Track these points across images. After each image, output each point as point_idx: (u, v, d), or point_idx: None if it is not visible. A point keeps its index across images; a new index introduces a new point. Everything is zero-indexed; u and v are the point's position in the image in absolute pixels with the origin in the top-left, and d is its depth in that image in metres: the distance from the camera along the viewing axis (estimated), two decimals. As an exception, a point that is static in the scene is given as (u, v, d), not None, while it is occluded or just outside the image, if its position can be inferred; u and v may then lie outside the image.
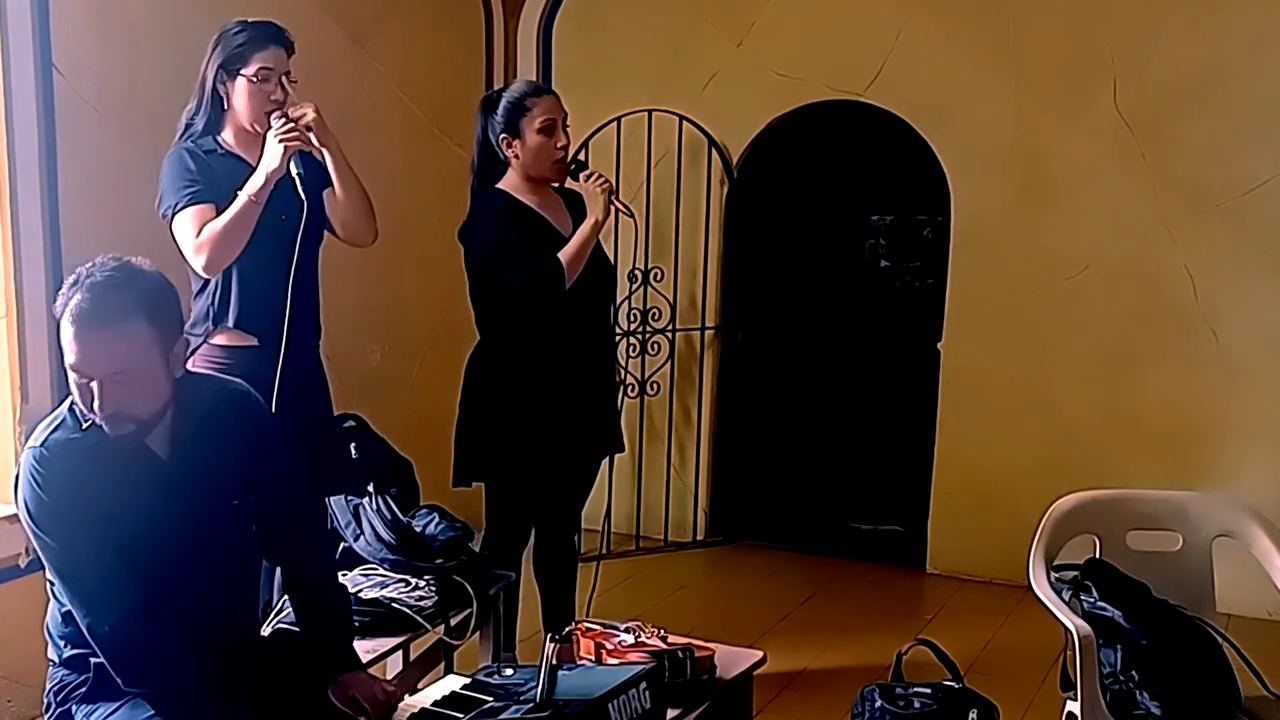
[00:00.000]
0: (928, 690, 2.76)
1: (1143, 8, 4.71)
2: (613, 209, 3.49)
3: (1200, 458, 4.70)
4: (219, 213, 3.11)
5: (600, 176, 3.51)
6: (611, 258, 3.79)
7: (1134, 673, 2.77)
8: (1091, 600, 2.88)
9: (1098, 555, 3.04)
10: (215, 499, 2.31)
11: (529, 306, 3.45)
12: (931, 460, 5.22)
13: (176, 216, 3.14)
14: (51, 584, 2.29)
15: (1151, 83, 4.72)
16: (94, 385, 2.12)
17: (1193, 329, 4.73)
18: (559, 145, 3.49)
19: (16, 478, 2.22)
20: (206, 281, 3.20)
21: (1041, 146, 4.91)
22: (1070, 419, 4.93)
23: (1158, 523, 3.12)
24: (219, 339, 3.23)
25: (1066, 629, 2.75)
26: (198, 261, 3.12)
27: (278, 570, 2.87)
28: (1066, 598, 2.89)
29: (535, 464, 3.56)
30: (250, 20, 3.21)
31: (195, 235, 3.10)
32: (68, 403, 2.24)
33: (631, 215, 3.64)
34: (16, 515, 3.41)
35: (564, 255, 3.42)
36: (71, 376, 2.15)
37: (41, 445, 2.19)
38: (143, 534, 2.18)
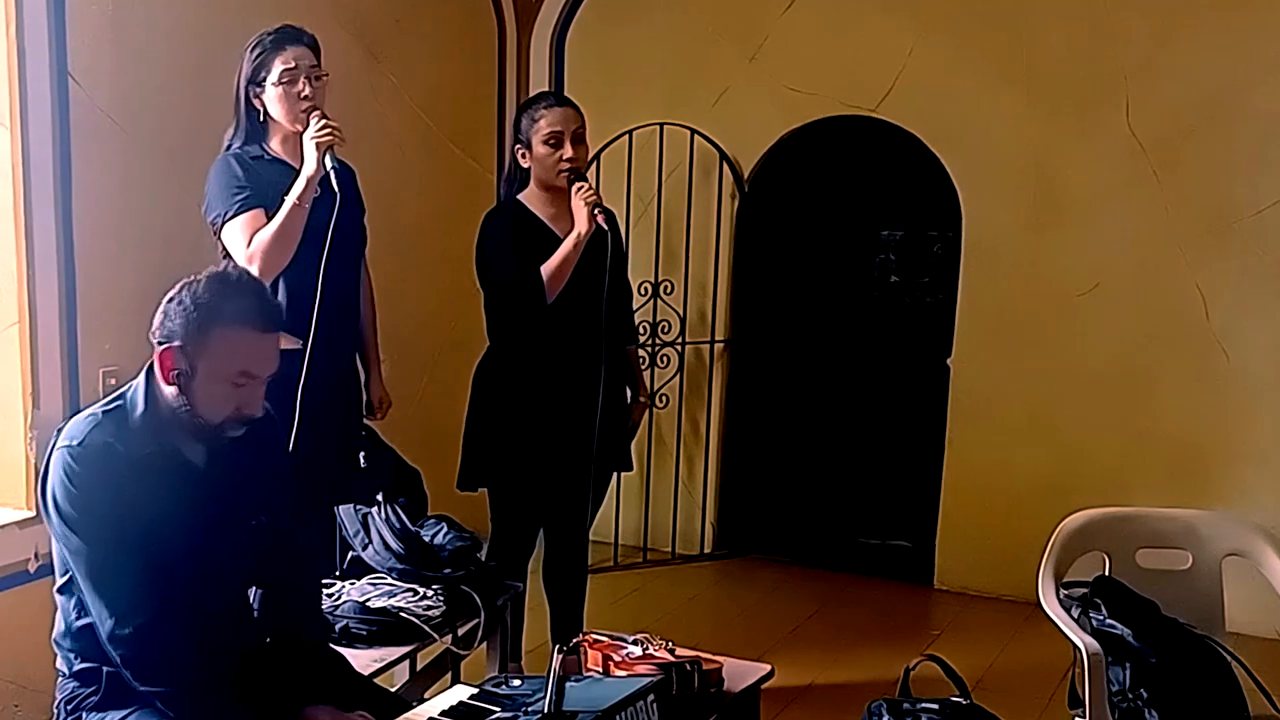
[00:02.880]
0: (935, 706, 2.76)
1: (1156, 28, 4.71)
2: (594, 221, 3.44)
3: (1211, 477, 4.68)
4: (269, 217, 3.13)
5: (587, 189, 3.48)
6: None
7: (1143, 691, 2.77)
8: (1100, 618, 2.87)
9: (1107, 573, 3.04)
10: (240, 513, 2.34)
11: (512, 314, 3.50)
12: (940, 475, 5.21)
13: (227, 225, 3.17)
14: (62, 593, 2.29)
15: (1164, 102, 4.71)
16: (256, 386, 2.21)
17: (1204, 348, 4.71)
18: (565, 157, 3.49)
19: (43, 479, 2.21)
20: None
21: (1053, 164, 4.90)
22: (1080, 436, 4.92)
23: (1167, 541, 3.12)
24: None
25: (1075, 646, 2.75)
26: (252, 270, 3.13)
27: None
28: (1075, 615, 2.89)
29: (535, 470, 3.58)
30: (269, 30, 3.25)
31: (246, 244, 3.13)
32: (100, 405, 2.25)
33: (613, 226, 3.59)
34: (24, 521, 3.49)
35: (545, 269, 3.44)
36: (224, 380, 2.18)
37: (79, 444, 2.18)
38: (173, 540, 2.19)
